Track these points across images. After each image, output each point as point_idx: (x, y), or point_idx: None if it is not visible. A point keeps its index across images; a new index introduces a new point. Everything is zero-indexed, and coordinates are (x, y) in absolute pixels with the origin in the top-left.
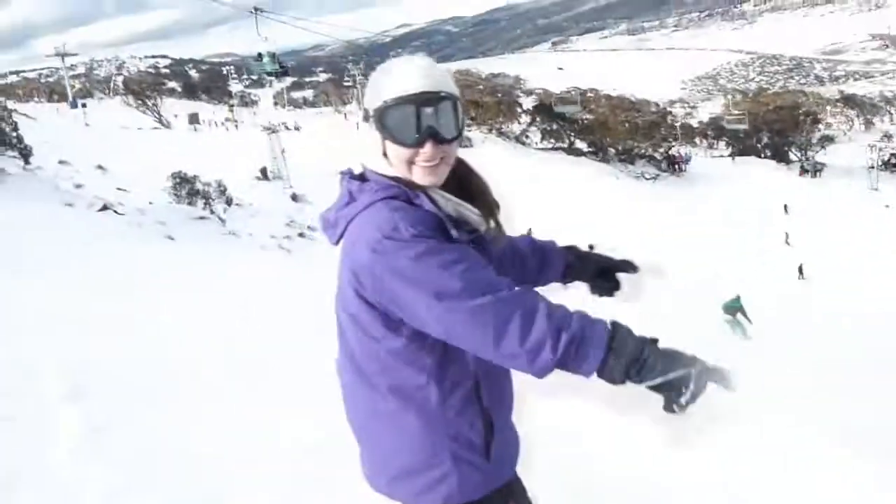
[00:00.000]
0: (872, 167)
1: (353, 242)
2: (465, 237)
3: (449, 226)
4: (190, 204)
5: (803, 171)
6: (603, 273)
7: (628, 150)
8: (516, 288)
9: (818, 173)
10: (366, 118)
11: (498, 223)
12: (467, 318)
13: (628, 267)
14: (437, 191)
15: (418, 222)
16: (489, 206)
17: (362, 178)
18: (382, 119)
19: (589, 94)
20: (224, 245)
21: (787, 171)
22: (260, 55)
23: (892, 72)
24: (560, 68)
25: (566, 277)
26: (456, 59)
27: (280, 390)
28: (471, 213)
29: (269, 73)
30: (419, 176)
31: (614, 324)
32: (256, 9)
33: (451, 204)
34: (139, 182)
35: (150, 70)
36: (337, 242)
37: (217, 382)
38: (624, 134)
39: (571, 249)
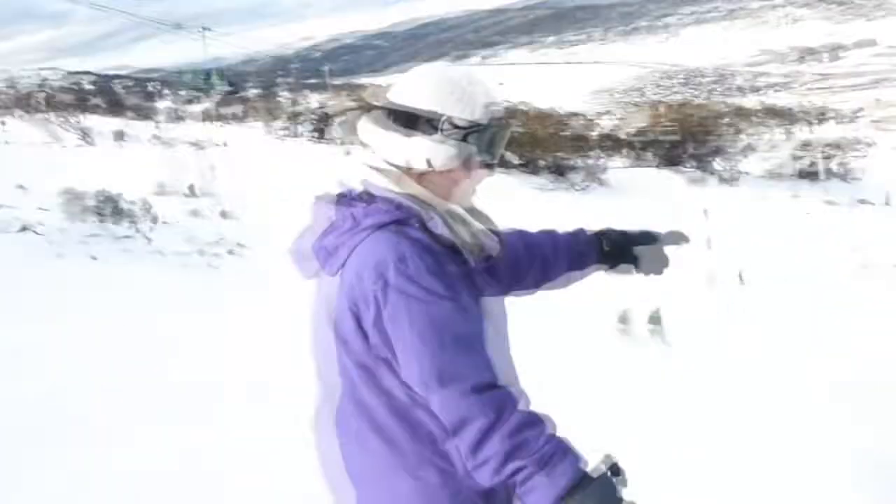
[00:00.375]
0: (793, 175)
1: (357, 271)
2: (480, 265)
3: (465, 252)
4: (114, 223)
5: (722, 179)
6: (621, 249)
7: (558, 162)
8: (498, 384)
9: (735, 181)
10: (433, 128)
11: (502, 242)
12: (434, 398)
13: (647, 238)
14: (456, 211)
15: (428, 252)
16: (491, 224)
17: (364, 197)
18: (491, 137)
19: (521, 107)
20: (150, 264)
21: (710, 179)
22: (208, 73)
23: (810, 83)
24: (501, 83)
25: (606, 265)
26: (387, 73)
27: (201, 417)
28: (488, 237)
29: (218, 92)
30: (466, 198)
31: (596, 479)
32: (204, 28)
33: (466, 229)
34: (61, 201)
35: (73, 86)
36: (337, 272)
37: (138, 415)
38: (554, 146)
39: (605, 234)
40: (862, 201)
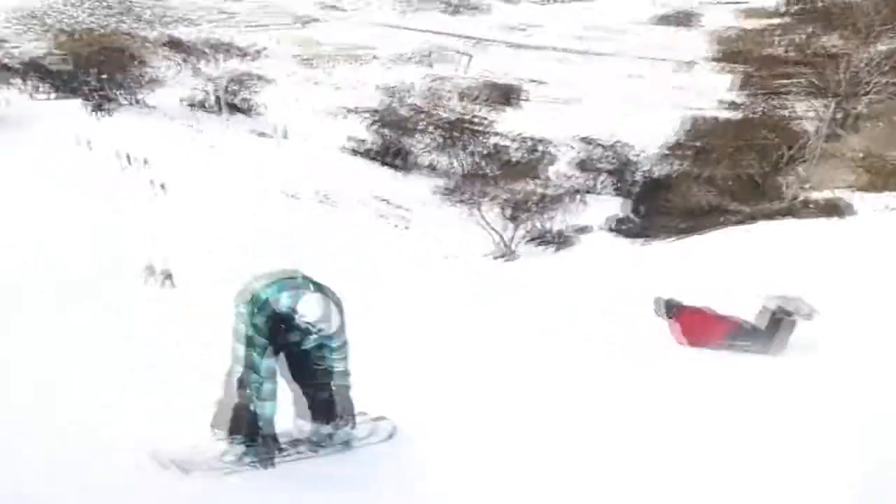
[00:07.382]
0: (193, 105)
1: None
2: None
3: None
4: None
5: (98, 108)
6: None
7: None
8: None
9: (144, 112)
10: None
11: None
12: None
13: None
14: None
15: None
16: None
17: None
18: None
19: None
20: None
21: (120, 109)
22: None
23: (217, 20)
24: None
25: None
26: None
27: None
28: None
29: None
30: None
31: None
32: None
33: None
34: None
35: None
36: None
37: None
38: None
39: None
40: (261, 134)
